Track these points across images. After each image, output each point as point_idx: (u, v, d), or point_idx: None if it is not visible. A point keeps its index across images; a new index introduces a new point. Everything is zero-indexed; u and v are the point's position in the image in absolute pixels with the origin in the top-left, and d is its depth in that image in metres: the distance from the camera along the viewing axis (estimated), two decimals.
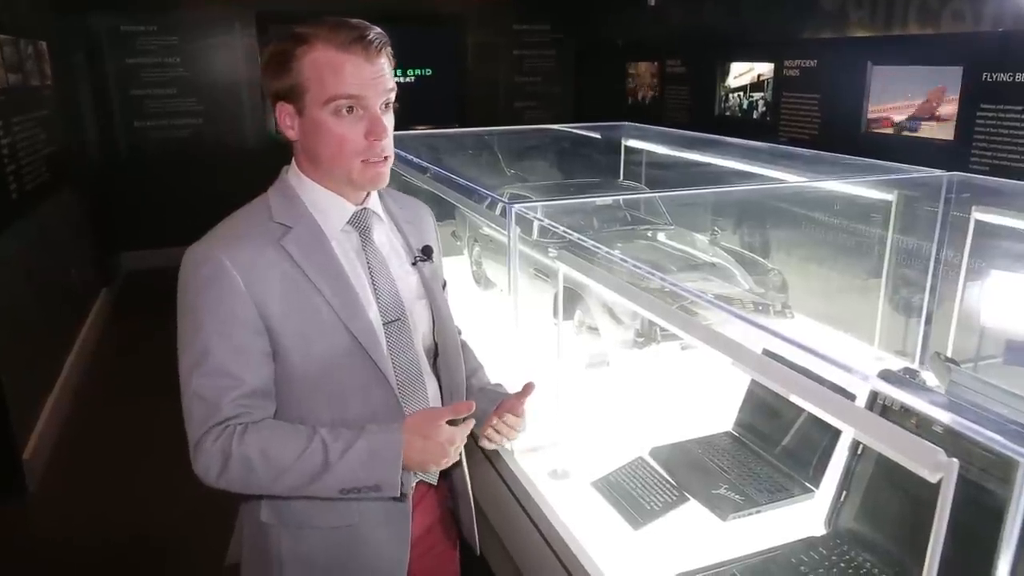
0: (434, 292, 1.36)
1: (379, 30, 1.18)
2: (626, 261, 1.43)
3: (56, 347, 4.11)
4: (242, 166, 6.35)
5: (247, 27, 6.31)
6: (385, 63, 1.19)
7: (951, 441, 1.13)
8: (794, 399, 1.07)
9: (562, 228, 1.59)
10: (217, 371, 1.15)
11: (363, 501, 1.22)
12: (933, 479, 0.77)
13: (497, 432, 1.42)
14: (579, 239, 1.56)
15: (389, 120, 1.21)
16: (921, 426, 1.27)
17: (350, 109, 1.16)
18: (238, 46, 6.33)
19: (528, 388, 1.40)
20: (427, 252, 1.36)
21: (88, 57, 5.98)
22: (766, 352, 1.32)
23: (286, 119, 1.20)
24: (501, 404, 1.43)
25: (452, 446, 1.23)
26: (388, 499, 1.22)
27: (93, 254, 5.31)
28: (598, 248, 1.50)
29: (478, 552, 1.50)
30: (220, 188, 6.18)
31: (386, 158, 1.21)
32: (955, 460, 0.76)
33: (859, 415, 0.98)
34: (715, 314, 1.44)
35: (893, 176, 2.27)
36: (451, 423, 1.23)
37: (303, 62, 1.15)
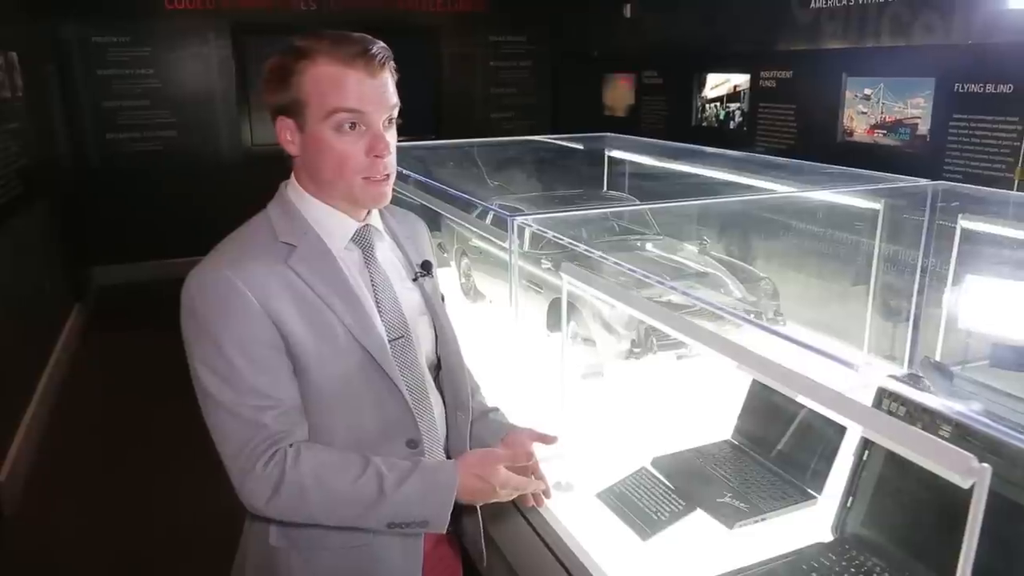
0: (436, 308, 1.35)
1: (382, 44, 1.17)
2: (635, 271, 1.44)
3: (30, 364, 4.00)
4: (217, 179, 6.28)
5: (222, 38, 6.20)
6: (388, 78, 1.18)
7: (964, 445, 1.15)
8: (814, 407, 1.07)
9: (567, 239, 1.59)
10: (251, 391, 1.12)
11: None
12: (965, 485, 0.78)
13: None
14: (586, 251, 1.57)
15: (392, 136, 1.20)
16: (928, 430, 1.29)
17: (352, 125, 1.14)
18: (213, 57, 6.23)
19: (549, 439, 1.44)
20: (427, 267, 1.36)
21: (59, 68, 5.86)
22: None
23: (286, 134, 1.18)
24: (508, 438, 1.43)
25: (504, 490, 1.24)
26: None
27: (66, 268, 5.20)
28: (605, 259, 1.50)
29: (484, 564, 1.49)
30: (194, 202, 6.12)
31: (388, 176, 1.20)
32: (987, 466, 0.77)
33: (882, 421, 1.00)
34: (719, 325, 1.45)
35: (880, 185, 2.32)
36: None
37: (304, 76, 1.13)
